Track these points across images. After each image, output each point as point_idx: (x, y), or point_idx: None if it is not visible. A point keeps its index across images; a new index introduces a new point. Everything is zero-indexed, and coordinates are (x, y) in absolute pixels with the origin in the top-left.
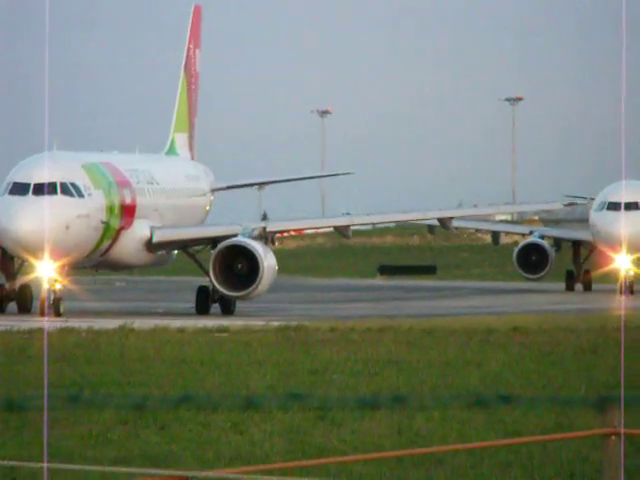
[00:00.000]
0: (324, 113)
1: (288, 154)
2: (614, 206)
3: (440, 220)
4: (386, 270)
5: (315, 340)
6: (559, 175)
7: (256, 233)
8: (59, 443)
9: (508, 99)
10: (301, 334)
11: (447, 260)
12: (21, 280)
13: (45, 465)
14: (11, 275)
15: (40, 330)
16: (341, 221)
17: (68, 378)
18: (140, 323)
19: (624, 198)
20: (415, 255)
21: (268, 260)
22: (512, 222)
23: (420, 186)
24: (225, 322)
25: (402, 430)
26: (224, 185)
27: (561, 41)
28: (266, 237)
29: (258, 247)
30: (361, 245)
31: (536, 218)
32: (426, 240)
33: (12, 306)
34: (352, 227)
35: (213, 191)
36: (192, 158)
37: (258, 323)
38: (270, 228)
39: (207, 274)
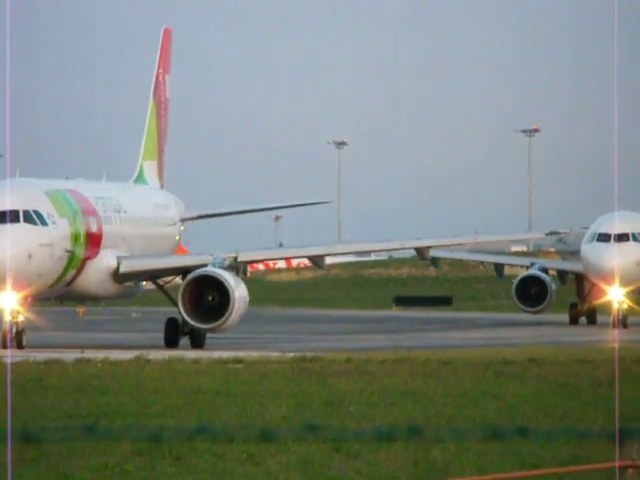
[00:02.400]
0: (340, 144)
1: (303, 184)
2: (605, 237)
3: (417, 250)
4: (402, 301)
5: (331, 371)
6: (577, 206)
7: (227, 263)
8: (75, 474)
9: (524, 130)
10: (317, 365)
11: (463, 291)
12: None
13: None
14: None
15: (56, 361)
16: (315, 251)
17: (84, 409)
18: (155, 354)
19: (615, 229)
20: (431, 286)
21: (239, 291)
22: (528, 253)
23: (436, 216)
24: (241, 353)
25: (418, 462)
26: (195, 214)
27: (577, 73)
28: (237, 267)
29: (229, 277)
30: (377, 276)
31: (552, 250)
32: (442, 271)
33: None
34: (370, 257)
35: (183, 221)
36: (162, 186)
37: (273, 354)
38: (242, 258)
39: (176, 305)
